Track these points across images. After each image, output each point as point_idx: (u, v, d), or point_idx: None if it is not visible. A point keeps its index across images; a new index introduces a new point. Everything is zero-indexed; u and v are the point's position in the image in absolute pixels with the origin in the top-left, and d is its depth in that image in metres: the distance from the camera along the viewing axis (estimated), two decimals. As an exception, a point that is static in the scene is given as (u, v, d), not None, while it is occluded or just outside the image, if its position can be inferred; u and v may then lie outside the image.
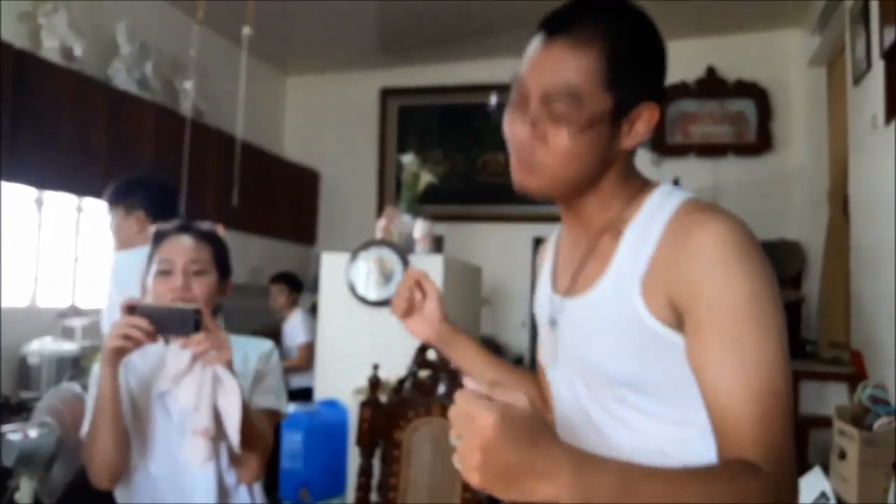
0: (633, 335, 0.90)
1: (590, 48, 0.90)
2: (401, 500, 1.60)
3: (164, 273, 1.52)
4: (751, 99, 4.91)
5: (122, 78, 3.89)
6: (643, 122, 0.94)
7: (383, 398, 1.67)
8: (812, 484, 2.27)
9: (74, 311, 3.73)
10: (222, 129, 4.72)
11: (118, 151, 3.78)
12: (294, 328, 4.32)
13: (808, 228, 4.61)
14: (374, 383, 1.70)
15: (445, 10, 4.53)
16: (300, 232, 5.69)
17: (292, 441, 3.27)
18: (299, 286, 4.55)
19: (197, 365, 1.38)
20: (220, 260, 1.60)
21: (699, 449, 0.89)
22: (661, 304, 0.88)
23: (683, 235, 0.88)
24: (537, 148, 0.92)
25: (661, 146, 5.01)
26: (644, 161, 4.98)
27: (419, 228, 3.52)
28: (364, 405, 1.66)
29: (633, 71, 0.92)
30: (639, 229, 0.93)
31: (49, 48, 3.43)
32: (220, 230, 1.63)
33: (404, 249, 3.42)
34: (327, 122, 5.91)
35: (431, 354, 1.66)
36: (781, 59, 4.89)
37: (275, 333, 4.40)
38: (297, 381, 4.17)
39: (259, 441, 1.50)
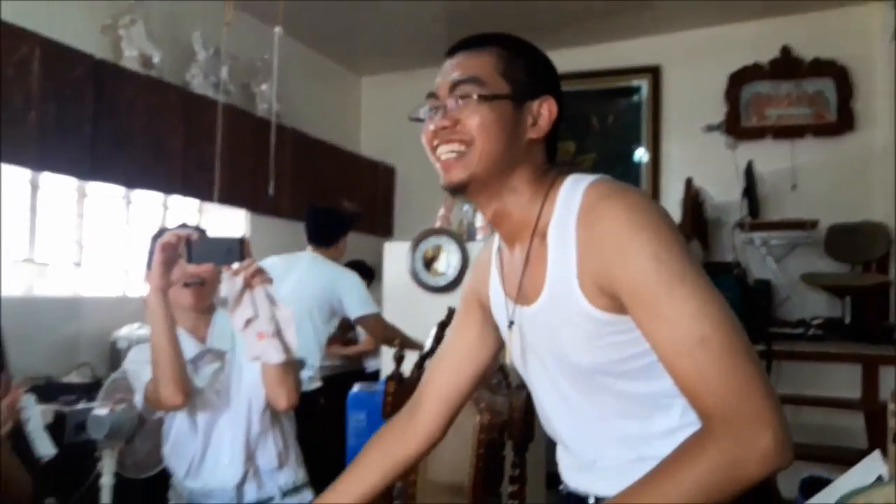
0: (587, 329, 0.96)
1: (486, 51, 1.03)
2: (421, 468, 1.69)
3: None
4: (829, 78, 4.70)
5: (198, 82, 4.15)
6: (545, 114, 1.03)
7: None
8: (869, 468, 2.20)
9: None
10: (298, 129, 4.94)
11: (195, 152, 4.04)
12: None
13: (894, 210, 4.39)
14: (399, 358, 1.79)
15: (512, 6, 4.59)
16: (377, 224, 5.87)
17: (358, 420, 3.41)
18: (370, 274, 4.73)
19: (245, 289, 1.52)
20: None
21: (684, 414, 0.94)
22: (597, 293, 0.94)
23: (590, 227, 0.94)
24: (460, 130, 1.00)
25: (736, 130, 4.88)
26: (719, 145, 4.87)
27: (480, 217, 3.60)
28: (389, 379, 1.75)
29: (526, 68, 1.03)
30: (558, 229, 0.98)
31: (129, 57, 3.71)
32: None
33: (463, 237, 3.51)
34: (402, 118, 6.02)
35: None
36: (862, 34, 4.65)
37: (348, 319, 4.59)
38: (372, 365, 4.36)
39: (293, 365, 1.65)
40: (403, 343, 2.00)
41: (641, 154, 5.22)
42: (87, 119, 3.41)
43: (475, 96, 0.99)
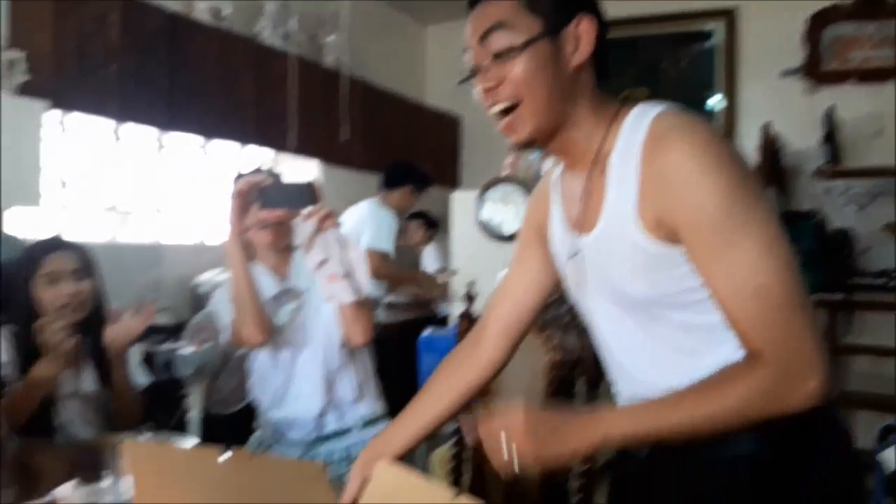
0: (642, 260, 0.95)
1: None
2: (492, 403, 1.74)
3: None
4: (918, 17, 4.44)
5: (267, 34, 4.20)
6: (584, 35, 0.98)
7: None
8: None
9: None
10: (365, 79, 4.97)
11: (267, 102, 4.12)
12: (428, 259, 4.62)
13: None
14: (470, 297, 1.83)
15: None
16: (442, 175, 5.89)
17: (430, 362, 3.50)
18: (434, 224, 4.79)
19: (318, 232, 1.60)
20: None
21: (732, 346, 0.94)
22: (655, 224, 0.93)
23: (655, 157, 0.91)
24: (503, 92, 0.97)
25: (815, 73, 4.67)
26: (797, 91, 4.68)
27: (547, 165, 3.58)
28: (461, 317, 1.80)
29: None
30: (621, 159, 0.96)
31: (200, 10, 3.79)
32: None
33: (530, 185, 3.51)
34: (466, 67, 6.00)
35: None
36: (957, -33, 4.37)
37: (416, 264, 4.68)
38: (443, 310, 4.45)
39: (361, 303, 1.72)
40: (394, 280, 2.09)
41: (717, 101, 5.06)
42: (164, 71, 3.52)
43: (508, 48, 0.95)
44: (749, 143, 4.44)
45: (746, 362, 0.89)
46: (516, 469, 0.94)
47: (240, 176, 1.85)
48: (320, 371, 1.81)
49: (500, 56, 0.96)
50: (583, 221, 1.04)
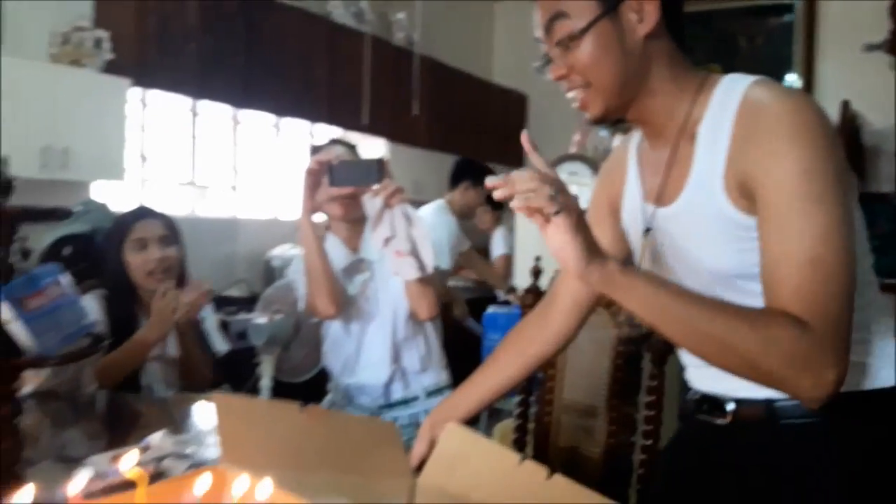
0: (725, 231, 0.94)
1: None
2: (559, 378, 1.76)
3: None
4: None
5: (339, 12, 4.27)
6: (647, 5, 0.95)
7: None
8: None
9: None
10: (433, 57, 4.99)
11: (338, 81, 4.19)
12: (497, 243, 4.61)
13: None
14: (537, 272, 1.85)
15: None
16: (509, 154, 5.89)
17: (493, 340, 3.54)
18: (500, 205, 4.77)
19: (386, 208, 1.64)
20: None
21: None
22: (738, 193, 0.91)
23: (750, 125, 0.90)
24: (575, 77, 0.98)
25: (900, 48, 4.47)
26: (880, 66, 4.49)
27: (617, 141, 3.55)
28: (527, 292, 1.82)
29: None
30: (711, 127, 0.95)
31: (275, -11, 3.88)
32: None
33: (598, 163, 3.48)
34: (534, 45, 5.96)
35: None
36: None
37: (484, 250, 4.71)
38: (502, 296, 4.46)
39: (425, 279, 1.76)
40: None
41: (793, 80, 4.90)
42: (240, 50, 3.62)
43: (569, 36, 0.95)
44: (827, 122, 4.30)
45: (793, 319, 0.85)
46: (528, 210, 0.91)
47: (315, 149, 1.91)
48: (388, 341, 1.85)
49: (563, 45, 0.97)
50: (663, 193, 1.03)
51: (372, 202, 1.64)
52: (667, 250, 1.05)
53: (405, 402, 1.87)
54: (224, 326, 3.27)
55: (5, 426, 1.09)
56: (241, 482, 0.77)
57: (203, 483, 0.78)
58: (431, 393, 1.90)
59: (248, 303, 3.67)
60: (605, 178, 1.23)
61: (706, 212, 0.95)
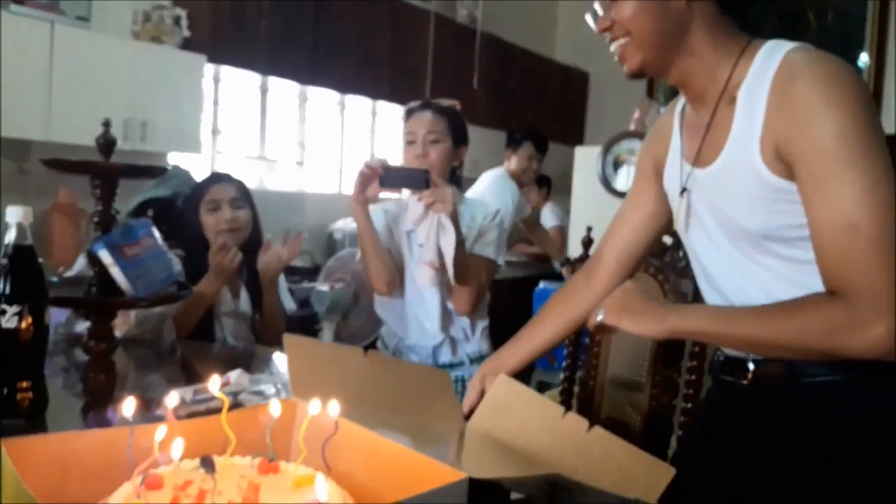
0: (760, 192, 0.98)
1: None
2: (605, 343, 1.84)
3: (410, 143, 1.91)
4: None
5: (404, -9, 4.36)
6: None
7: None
8: None
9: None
10: (495, 34, 5.04)
11: (401, 59, 4.29)
12: (546, 216, 4.69)
13: None
14: (587, 242, 1.92)
15: None
16: (567, 132, 5.91)
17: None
18: (548, 182, 4.86)
19: (429, 212, 1.74)
20: (456, 130, 1.93)
21: None
22: (774, 157, 0.95)
23: (785, 89, 0.94)
24: (616, 29, 1.04)
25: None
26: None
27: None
28: (578, 261, 1.88)
29: None
30: (750, 91, 0.98)
31: (343, -31, 3.99)
32: (457, 105, 1.94)
33: (656, 141, 3.50)
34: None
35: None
36: None
37: (535, 225, 4.78)
38: (559, 267, 4.53)
39: (469, 279, 1.84)
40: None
41: (865, 60, 4.78)
42: (308, 28, 3.75)
43: None
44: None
45: (823, 296, 0.93)
46: (592, 324, 1.13)
47: (409, 112, 1.98)
48: (437, 311, 1.93)
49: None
50: (702, 154, 1.07)
51: (416, 206, 1.78)
52: (703, 210, 1.10)
53: (451, 365, 1.95)
54: (290, 293, 3.44)
55: (103, 360, 1.24)
56: (313, 405, 0.89)
57: (276, 408, 0.90)
58: (474, 360, 1.98)
59: (312, 273, 3.83)
60: (650, 142, 1.28)
61: (742, 173, 0.99)
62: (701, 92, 1.07)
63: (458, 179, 2.02)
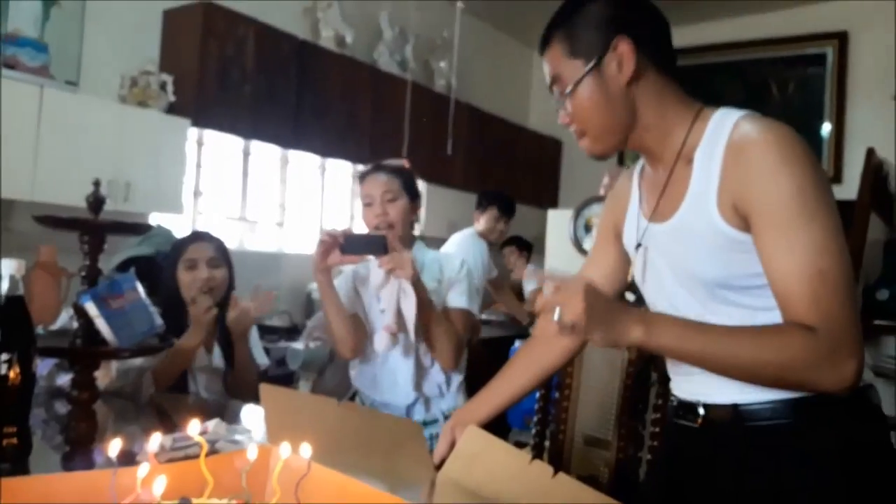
0: (718, 244, 1.05)
1: (553, 44, 1.13)
2: (574, 396, 1.90)
3: (368, 205, 1.98)
4: None
5: (385, 60, 4.53)
6: (624, 54, 1.08)
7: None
8: None
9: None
10: (471, 102, 5.22)
11: (381, 125, 4.43)
12: (527, 280, 4.76)
13: None
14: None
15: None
16: (543, 197, 6.06)
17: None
18: (529, 246, 4.97)
19: (390, 277, 1.81)
20: (409, 187, 2.00)
21: None
22: (732, 212, 1.03)
23: (738, 153, 1.03)
24: (575, 125, 1.14)
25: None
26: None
27: (644, 186, 3.68)
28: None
29: (586, 30, 1.10)
30: (705, 153, 1.07)
31: (326, 37, 4.15)
32: (406, 164, 2.05)
33: (625, 206, 3.62)
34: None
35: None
36: None
37: (517, 289, 4.87)
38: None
39: (446, 334, 1.90)
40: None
41: (826, 128, 5.02)
42: (292, 93, 3.88)
43: (564, 93, 1.11)
44: (855, 169, 4.37)
45: (803, 327, 0.97)
46: (564, 332, 1.01)
47: (363, 175, 2.04)
48: (410, 369, 1.95)
49: (562, 100, 1.13)
50: (661, 209, 1.14)
51: (378, 272, 1.83)
52: (660, 262, 1.16)
53: (425, 423, 1.96)
54: (266, 352, 3.47)
55: (85, 409, 1.28)
56: (283, 448, 0.94)
57: (252, 452, 0.95)
58: (448, 417, 2.00)
59: (290, 332, 3.86)
60: (611, 203, 1.36)
61: (700, 225, 1.06)
62: (658, 155, 1.15)
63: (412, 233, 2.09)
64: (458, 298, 2.00)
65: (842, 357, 0.96)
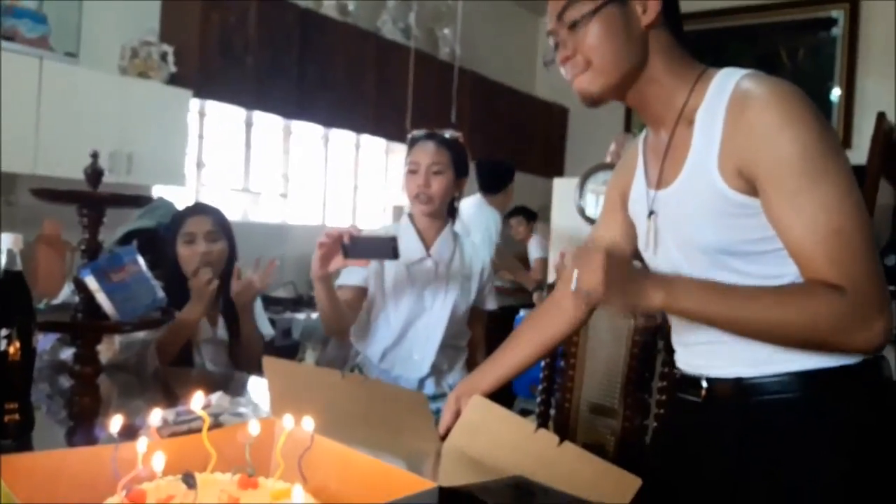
0: (719, 208, 1.02)
1: None
2: (580, 366, 1.89)
3: (412, 172, 1.92)
4: None
5: (388, 28, 4.47)
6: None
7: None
8: None
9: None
10: (477, 71, 5.16)
11: (385, 94, 4.38)
12: (532, 249, 4.78)
13: None
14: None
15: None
16: (548, 165, 6.02)
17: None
18: (534, 216, 4.96)
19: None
20: (458, 163, 1.95)
21: None
22: (734, 174, 1.00)
23: (740, 112, 0.99)
24: (578, 58, 1.07)
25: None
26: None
27: (651, 153, 3.65)
28: (550, 289, 1.94)
29: None
30: (706, 114, 1.03)
31: (328, 5, 4.09)
32: (461, 138, 1.99)
33: (632, 173, 3.59)
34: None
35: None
36: None
37: (522, 258, 4.86)
38: (540, 298, 4.61)
39: (481, 344, 2.02)
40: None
41: (836, 94, 4.95)
42: (294, 63, 3.84)
43: (580, 17, 1.04)
44: (866, 135, 4.31)
45: (830, 287, 0.93)
46: (582, 299, 1.01)
47: (413, 140, 1.98)
48: (436, 342, 1.93)
49: (574, 26, 1.06)
50: (665, 175, 1.11)
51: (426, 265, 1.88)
52: (667, 230, 1.13)
53: (434, 398, 1.92)
54: (272, 324, 3.48)
55: (88, 384, 1.28)
56: (286, 420, 0.93)
57: (254, 427, 0.94)
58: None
59: (295, 303, 3.87)
60: (617, 173, 1.33)
61: (702, 190, 1.04)
62: (659, 115, 1.12)
63: (454, 210, 2.06)
64: (487, 300, 2.06)
65: (869, 315, 0.94)
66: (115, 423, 0.83)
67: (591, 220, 3.60)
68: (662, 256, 1.17)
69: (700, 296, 1.00)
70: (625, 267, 1.01)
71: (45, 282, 2.82)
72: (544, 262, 4.58)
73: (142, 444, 0.81)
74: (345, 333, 1.94)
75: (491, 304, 2.06)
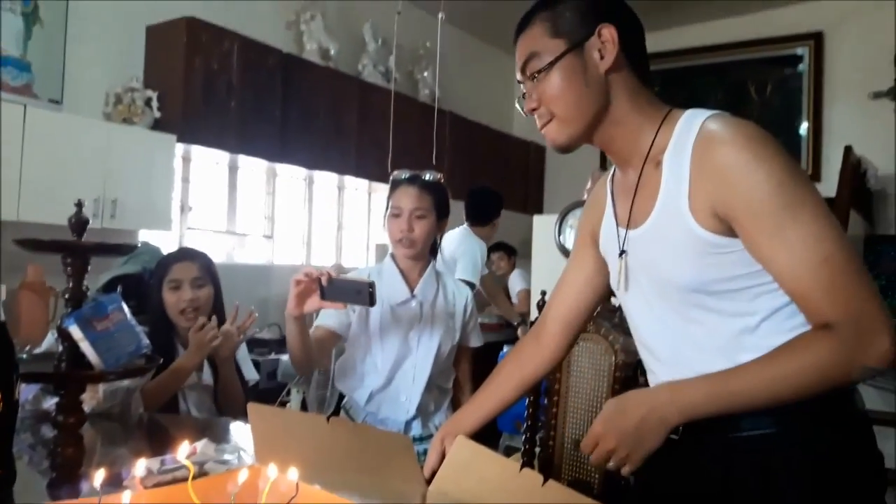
0: (692, 248, 1.03)
1: (534, 23, 1.12)
2: (562, 402, 1.91)
3: (395, 216, 1.93)
4: None
5: (369, 71, 4.54)
6: (607, 42, 1.08)
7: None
8: None
9: (339, 269, 4.50)
10: (455, 111, 5.24)
11: (367, 136, 4.44)
12: (514, 281, 4.85)
13: None
14: (542, 306, 2.01)
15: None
16: (528, 202, 6.08)
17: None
18: (514, 251, 5.05)
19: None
20: (440, 205, 1.98)
21: (763, 331, 1.03)
22: (707, 215, 1.00)
23: (706, 154, 1.01)
24: (542, 109, 1.11)
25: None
26: (887, 113, 4.62)
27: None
28: (532, 324, 1.97)
29: (572, 11, 1.09)
30: (673, 156, 1.05)
31: (310, 50, 4.16)
32: (441, 179, 2.02)
33: (610, 210, 3.64)
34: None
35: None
36: None
37: (505, 292, 4.89)
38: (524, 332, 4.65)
39: (469, 384, 2.03)
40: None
41: (804, 128, 5.08)
42: (277, 106, 3.89)
43: (539, 70, 1.08)
44: (833, 167, 4.42)
45: (819, 331, 0.95)
46: (624, 472, 1.05)
47: (395, 183, 1.98)
48: (422, 382, 1.93)
49: (535, 78, 1.09)
50: (635, 215, 1.12)
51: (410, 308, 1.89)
52: (640, 269, 1.14)
53: (421, 439, 1.93)
54: (256, 365, 3.47)
55: (72, 434, 1.27)
56: (270, 470, 0.94)
57: (242, 476, 0.95)
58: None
59: (280, 344, 3.85)
60: (587, 210, 1.35)
61: (673, 230, 1.05)
62: (626, 156, 1.14)
63: (436, 249, 2.08)
64: (472, 337, 2.06)
65: (873, 336, 0.94)
66: (99, 477, 0.84)
67: (569, 255, 3.63)
68: (634, 294, 1.19)
69: (705, 391, 1.02)
70: (625, 420, 1.03)
71: (29, 328, 2.81)
72: (527, 293, 4.63)
73: (126, 496, 0.81)
74: (304, 370, 1.91)
75: (476, 341, 2.07)
